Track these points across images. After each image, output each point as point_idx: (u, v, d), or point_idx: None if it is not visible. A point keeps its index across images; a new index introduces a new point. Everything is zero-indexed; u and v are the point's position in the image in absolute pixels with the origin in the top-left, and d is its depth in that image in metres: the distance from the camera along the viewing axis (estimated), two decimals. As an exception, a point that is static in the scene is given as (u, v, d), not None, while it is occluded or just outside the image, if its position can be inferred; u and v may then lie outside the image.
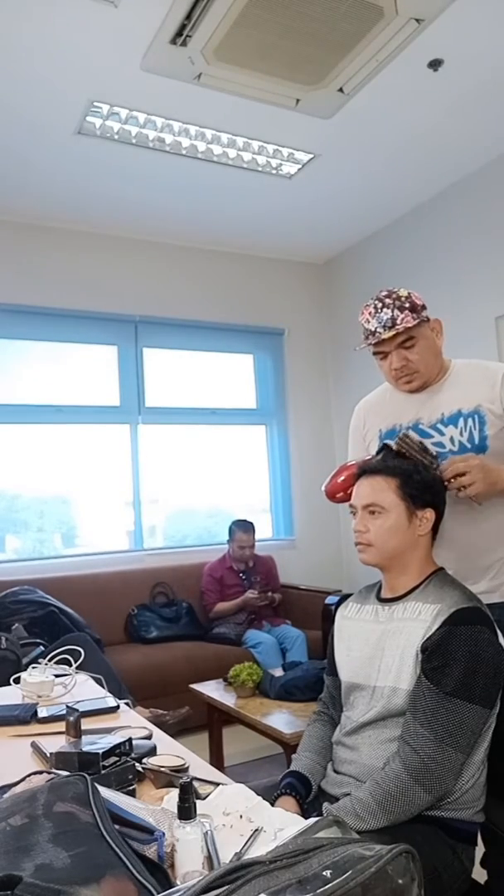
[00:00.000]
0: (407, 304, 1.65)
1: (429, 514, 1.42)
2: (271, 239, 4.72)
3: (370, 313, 1.67)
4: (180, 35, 2.56)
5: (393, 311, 1.63)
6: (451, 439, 1.67)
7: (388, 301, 1.65)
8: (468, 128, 3.41)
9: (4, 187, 3.76)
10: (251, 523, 4.19)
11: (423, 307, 1.68)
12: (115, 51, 2.69)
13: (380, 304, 1.65)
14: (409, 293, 1.67)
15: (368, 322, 1.67)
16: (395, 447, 1.48)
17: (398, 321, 1.63)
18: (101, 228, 4.34)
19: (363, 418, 1.90)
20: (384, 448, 1.52)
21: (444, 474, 1.49)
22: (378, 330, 1.64)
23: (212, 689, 2.79)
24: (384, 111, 3.20)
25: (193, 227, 4.44)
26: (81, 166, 3.57)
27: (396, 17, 2.52)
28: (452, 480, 1.49)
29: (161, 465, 4.50)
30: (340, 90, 2.95)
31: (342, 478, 1.67)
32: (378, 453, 1.53)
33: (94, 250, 4.35)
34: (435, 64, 2.86)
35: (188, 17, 2.47)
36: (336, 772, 1.40)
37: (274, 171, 3.74)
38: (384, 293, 1.67)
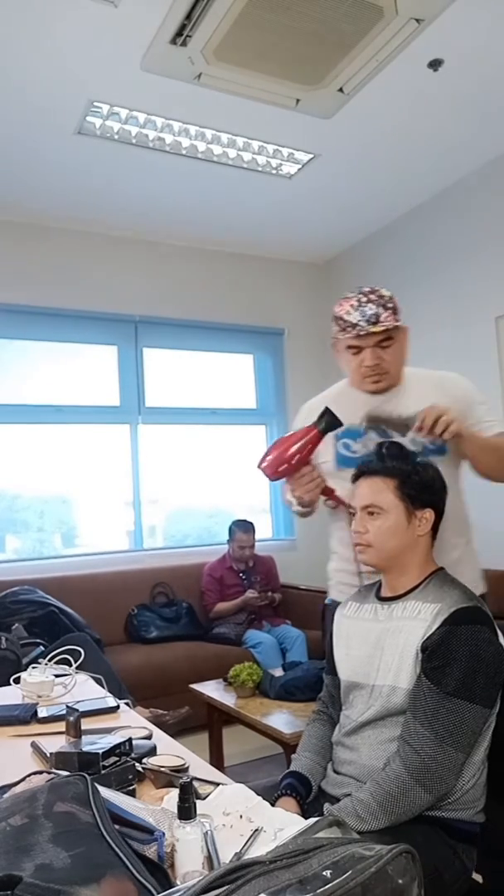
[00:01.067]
0: (390, 305, 1.66)
1: (428, 515, 1.42)
2: (271, 239, 4.72)
3: (352, 306, 1.66)
4: (180, 35, 2.56)
5: (377, 308, 1.64)
6: (413, 441, 1.68)
7: (372, 297, 1.65)
8: (468, 128, 3.41)
9: (5, 187, 3.76)
10: (251, 523, 4.19)
11: (401, 311, 1.70)
12: (115, 51, 2.69)
13: (364, 299, 1.65)
14: (391, 294, 1.69)
15: (349, 314, 1.65)
16: (384, 451, 1.46)
17: (382, 318, 1.64)
18: (101, 228, 4.34)
19: (308, 419, 1.79)
20: (326, 412, 1.55)
21: (425, 422, 1.52)
22: (361, 323, 1.64)
23: (212, 689, 2.79)
24: (384, 111, 3.20)
25: (193, 227, 4.44)
26: (81, 166, 3.57)
27: (396, 17, 2.52)
28: (434, 427, 1.52)
29: (161, 465, 4.50)
30: (340, 90, 2.95)
31: (278, 452, 1.59)
32: (322, 416, 1.55)
33: (94, 250, 4.35)
34: (435, 64, 2.86)
35: (188, 17, 2.47)
36: (336, 772, 1.40)
37: (274, 171, 3.74)
38: (367, 289, 1.68)
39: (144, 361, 4.51)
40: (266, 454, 1.64)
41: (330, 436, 1.71)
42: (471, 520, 1.78)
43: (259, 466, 1.64)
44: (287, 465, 1.59)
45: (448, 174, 3.91)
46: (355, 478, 1.48)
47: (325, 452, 1.73)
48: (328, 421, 1.58)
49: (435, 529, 1.45)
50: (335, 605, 1.76)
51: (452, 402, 1.68)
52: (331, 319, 1.73)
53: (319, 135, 3.37)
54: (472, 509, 1.79)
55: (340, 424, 1.60)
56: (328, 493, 1.64)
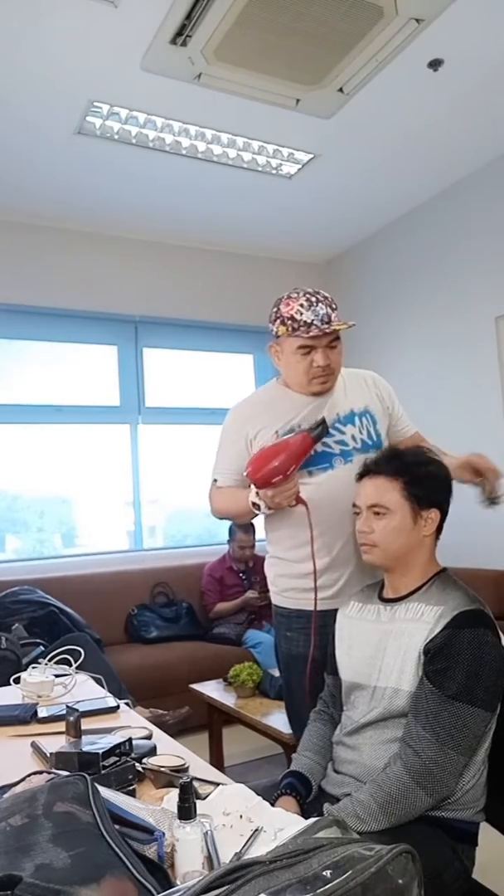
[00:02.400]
0: (335, 306, 1.67)
1: (433, 515, 1.41)
2: (271, 239, 4.72)
3: (302, 305, 1.63)
4: (180, 35, 2.56)
5: (327, 309, 1.64)
6: (353, 437, 1.71)
7: (320, 297, 1.65)
8: (468, 128, 3.41)
9: (4, 187, 3.76)
10: (252, 523, 4.19)
11: None
12: (115, 51, 2.69)
13: (313, 299, 1.64)
14: (331, 296, 1.70)
15: (301, 314, 1.63)
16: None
17: (333, 318, 1.64)
18: (101, 228, 4.34)
19: (247, 420, 1.79)
20: (322, 423, 1.57)
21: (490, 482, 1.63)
22: (316, 322, 1.62)
23: (212, 689, 2.79)
24: (384, 111, 3.20)
25: (193, 227, 4.44)
26: (81, 166, 3.57)
27: (396, 17, 2.51)
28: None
29: (161, 465, 4.50)
30: (340, 90, 2.95)
31: (276, 462, 1.56)
32: (317, 427, 1.57)
33: (94, 250, 4.35)
34: (435, 64, 2.86)
35: (188, 17, 2.47)
36: (336, 772, 1.40)
37: (274, 171, 3.74)
38: (310, 290, 1.67)
39: (144, 361, 4.51)
40: (255, 463, 1.60)
41: (272, 436, 1.71)
42: None
43: (249, 476, 1.61)
44: (282, 476, 1.57)
45: (448, 174, 3.91)
46: (360, 477, 1.48)
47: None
48: (323, 430, 1.59)
49: (439, 529, 1.44)
50: (285, 611, 1.76)
51: (383, 398, 1.81)
52: (272, 321, 1.70)
53: (319, 135, 3.37)
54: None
55: (328, 433, 1.64)
56: (299, 499, 1.62)
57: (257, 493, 1.62)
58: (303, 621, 1.70)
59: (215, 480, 1.85)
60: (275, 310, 1.70)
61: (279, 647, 1.85)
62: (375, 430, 1.75)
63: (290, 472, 1.57)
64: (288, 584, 1.76)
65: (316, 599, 1.65)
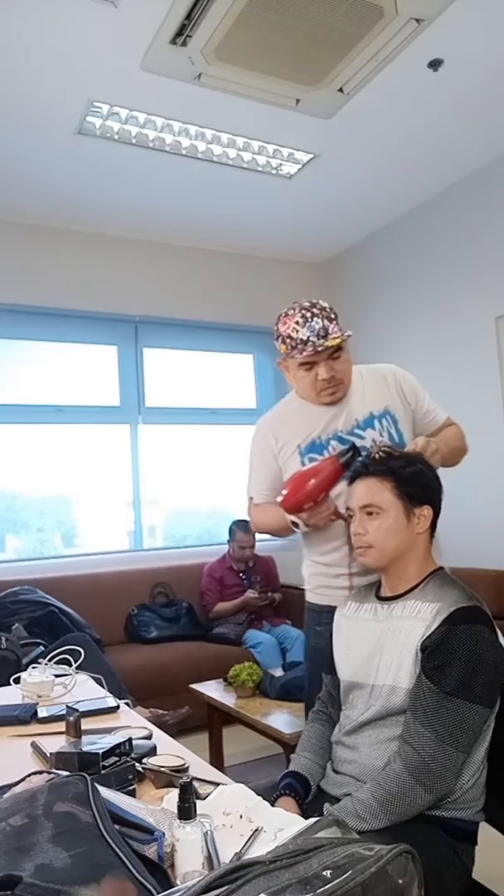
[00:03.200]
0: (332, 316, 1.65)
1: (426, 512, 1.42)
2: (271, 239, 4.72)
3: (297, 322, 1.63)
4: (180, 35, 2.56)
5: (323, 322, 1.63)
6: (374, 441, 1.69)
7: (315, 311, 1.64)
8: (468, 128, 3.41)
9: (4, 187, 3.76)
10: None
11: (338, 319, 1.70)
12: (115, 51, 2.69)
13: (308, 314, 1.63)
14: (329, 305, 1.68)
15: (297, 332, 1.63)
16: (376, 455, 1.46)
17: (330, 331, 1.62)
18: (101, 228, 4.34)
19: (272, 436, 1.82)
20: (352, 448, 1.53)
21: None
22: (312, 339, 1.62)
23: (212, 689, 2.79)
24: (384, 111, 3.20)
25: (194, 227, 4.44)
26: (81, 166, 3.57)
27: (396, 17, 2.51)
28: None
29: (161, 465, 4.50)
30: (340, 90, 2.95)
31: (306, 490, 1.56)
32: (347, 452, 1.53)
33: (94, 250, 4.35)
34: (435, 64, 2.86)
35: (188, 17, 2.47)
36: (336, 772, 1.40)
37: (274, 171, 3.74)
38: (307, 304, 1.66)
39: (144, 361, 4.51)
40: (288, 487, 1.61)
41: (295, 452, 1.74)
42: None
43: (281, 505, 1.62)
44: (312, 502, 1.57)
45: (448, 174, 3.91)
46: (350, 480, 1.49)
47: (292, 468, 1.73)
48: (353, 456, 1.56)
49: (433, 527, 1.45)
50: (317, 606, 1.77)
51: (405, 394, 1.75)
52: (274, 339, 1.71)
53: (319, 135, 3.37)
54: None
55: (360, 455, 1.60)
56: (338, 515, 1.63)
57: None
58: (332, 617, 1.71)
59: (251, 498, 1.87)
60: (275, 328, 1.70)
61: (307, 641, 1.86)
62: (397, 430, 1.73)
63: (321, 498, 1.57)
64: (321, 582, 1.77)
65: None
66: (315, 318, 1.63)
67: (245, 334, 4.85)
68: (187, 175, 3.71)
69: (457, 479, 1.82)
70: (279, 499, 1.63)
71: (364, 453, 1.52)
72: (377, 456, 1.45)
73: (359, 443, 1.66)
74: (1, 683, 1.80)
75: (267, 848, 0.73)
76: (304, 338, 1.62)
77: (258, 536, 4.22)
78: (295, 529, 1.69)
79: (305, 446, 1.74)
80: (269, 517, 1.79)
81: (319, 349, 1.62)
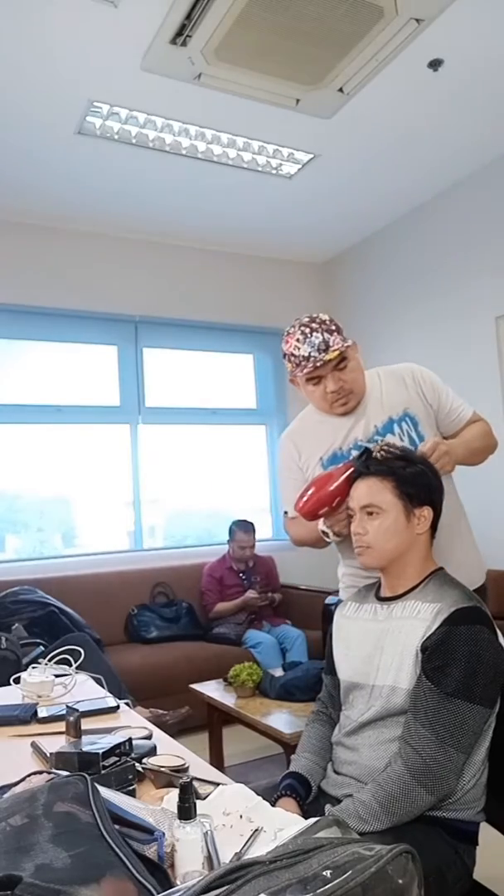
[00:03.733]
0: (333, 327, 1.65)
1: (426, 513, 1.41)
2: (271, 239, 4.72)
3: (298, 340, 1.64)
4: (180, 35, 2.56)
5: (323, 335, 1.62)
6: (376, 442, 1.68)
7: (314, 326, 1.64)
8: (468, 128, 3.41)
9: (4, 187, 3.76)
10: (251, 524, 4.19)
11: (342, 329, 1.69)
12: (115, 51, 2.69)
13: (307, 330, 1.64)
14: (329, 317, 1.68)
15: (298, 349, 1.64)
16: (377, 455, 1.46)
17: (331, 343, 1.62)
18: (101, 228, 4.34)
19: (296, 449, 1.83)
20: (365, 451, 1.52)
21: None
22: (313, 354, 1.62)
23: (212, 689, 2.79)
24: (384, 111, 3.20)
25: (194, 227, 4.44)
26: (81, 166, 3.57)
27: (396, 17, 2.51)
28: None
29: (161, 465, 4.50)
30: (340, 90, 2.95)
31: (320, 495, 1.56)
32: (360, 456, 1.53)
33: (94, 250, 4.35)
34: (435, 64, 2.86)
35: (188, 17, 2.47)
36: (336, 772, 1.40)
37: (274, 171, 3.74)
38: (306, 319, 1.66)
39: (144, 361, 4.51)
40: (304, 495, 1.61)
41: (318, 465, 1.74)
42: (464, 510, 1.81)
43: (297, 509, 1.63)
44: (328, 507, 1.57)
45: (448, 174, 3.91)
46: (352, 480, 1.49)
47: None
48: (367, 461, 1.55)
49: (434, 527, 1.45)
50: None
51: (425, 395, 1.73)
52: (283, 357, 1.71)
53: (319, 135, 3.37)
54: (471, 510, 1.79)
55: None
56: None
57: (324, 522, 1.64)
58: None
59: (286, 513, 1.87)
60: (281, 346, 1.71)
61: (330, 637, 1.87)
62: (417, 432, 1.71)
63: (336, 503, 1.56)
64: (352, 582, 1.77)
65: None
66: (315, 333, 1.63)
67: (245, 334, 4.86)
68: (187, 175, 3.72)
69: (457, 480, 1.81)
70: (295, 507, 1.64)
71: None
72: (379, 455, 1.45)
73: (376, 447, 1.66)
74: (1, 683, 1.80)
75: (267, 848, 0.73)
76: (306, 354, 1.63)
77: (258, 536, 4.22)
78: (326, 539, 1.68)
79: (328, 458, 1.75)
80: (304, 529, 1.77)
81: (318, 364, 1.62)
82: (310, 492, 1.59)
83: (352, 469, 1.54)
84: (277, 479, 1.91)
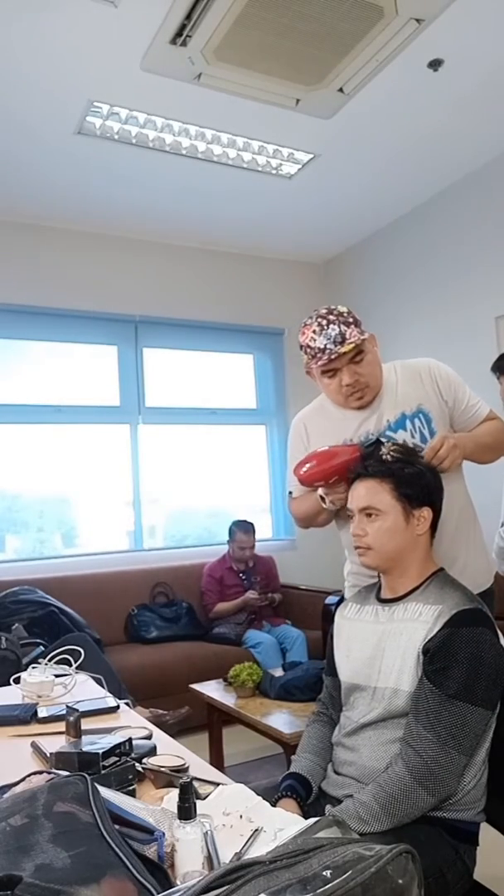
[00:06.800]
0: (350, 319, 1.64)
1: (426, 513, 1.41)
2: (271, 239, 4.72)
3: (314, 332, 1.63)
4: (180, 35, 2.56)
5: (340, 327, 1.61)
6: (405, 442, 1.67)
7: (331, 318, 1.63)
8: (468, 128, 3.41)
9: (4, 187, 3.76)
10: (251, 524, 4.19)
11: (361, 322, 1.68)
12: (115, 51, 2.69)
13: (324, 322, 1.63)
14: (348, 309, 1.66)
15: (315, 340, 1.63)
16: (386, 457, 1.45)
17: (348, 336, 1.61)
18: (101, 228, 4.34)
19: (306, 434, 1.84)
20: (377, 443, 1.52)
21: (434, 461, 1.53)
22: (329, 346, 1.61)
23: (212, 689, 2.79)
24: (384, 111, 3.20)
25: (193, 227, 4.44)
26: (81, 166, 3.57)
27: (396, 17, 2.52)
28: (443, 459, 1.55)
29: (161, 465, 4.50)
30: (340, 90, 2.95)
31: (322, 468, 1.60)
32: (370, 446, 1.53)
33: (94, 250, 4.35)
34: (435, 64, 2.86)
35: (188, 17, 2.47)
36: (336, 773, 1.40)
37: (274, 172, 3.74)
38: (324, 310, 1.65)
39: (144, 361, 4.51)
40: (306, 462, 1.63)
41: None
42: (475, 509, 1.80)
43: (295, 472, 1.66)
44: (324, 481, 1.61)
45: (448, 174, 3.91)
46: (351, 481, 1.48)
47: None
48: (376, 450, 1.55)
49: (434, 528, 1.44)
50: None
51: (441, 391, 1.72)
52: (300, 348, 1.71)
53: (319, 135, 3.37)
54: (482, 512, 1.79)
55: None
56: None
57: None
58: None
59: (290, 493, 1.87)
60: (298, 337, 1.70)
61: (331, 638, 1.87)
62: (430, 429, 1.69)
63: (333, 481, 1.58)
64: (356, 581, 1.78)
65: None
66: (331, 325, 1.61)
67: (245, 334, 4.85)
68: (187, 175, 3.71)
69: (469, 480, 1.81)
70: (294, 469, 1.66)
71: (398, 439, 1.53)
72: (388, 456, 1.44)
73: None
74: (1, 683, 1.80)
75: (267, 848, 0.73)
76: (322, 346, 1.62)
77: (258, 536, 4.22)
78: (324, 505, 1.69)
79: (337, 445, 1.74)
80: (305, 503, 1.79)
81: (333, 357, 1.61)
82: (311, 464, 1.62)
83: (357, 455, 1.54)
84: (288, 459, 1.90)
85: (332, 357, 1.61)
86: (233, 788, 1.04)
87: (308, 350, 1.66)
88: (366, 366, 1.66)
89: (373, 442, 1.56)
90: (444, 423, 1.72)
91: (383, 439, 1.61)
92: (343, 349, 1.60)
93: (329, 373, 1.67)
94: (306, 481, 1.64)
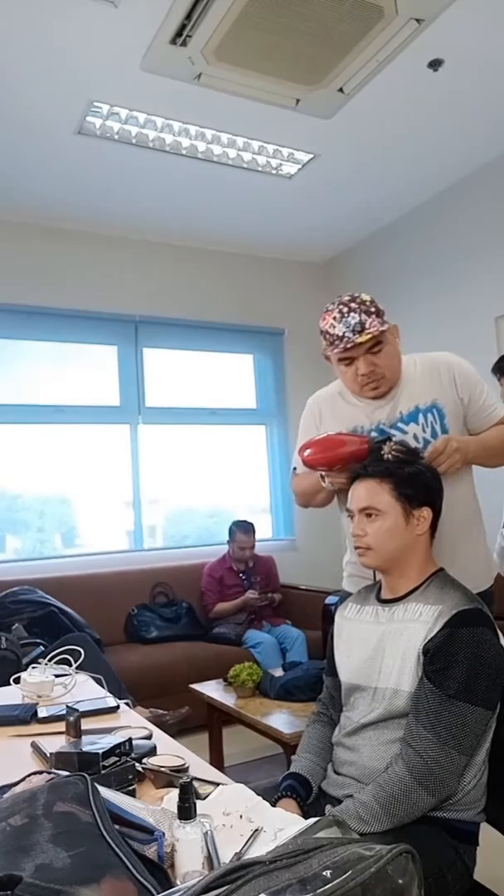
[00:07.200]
0: (372, 309, 1.62)
1: (426, 513, 1.41)
2: (271, 239, 4.72)
3: (335, 318, 1.62)
4: (180, 35, 2.56)
5: (360, 316, 1.60)
6: (415, 436, 1.67)
7: (353, 305, 1.62)
8: (468, 128, 3.41)
9: (4, 187, 3.76)
10: (251, 524, 4.19)
11: (384, 312, 1.66)
12: (115, 51, 2.69)
13: (345, 309, 1.62)
14: (371, 298, 1.65)
15: (334, 327, 1.62)
16: (387, 457, 1.45)
17: (367, 325, 1.60)
18: (101, 228, 4.34)
19: (319, 415, 1.83)
20: (388, 440, 1.52)
21: (435, 463, 1.53)
22: (347, 334, 1.60)
23: (212, 689, 2.79)
24: (384, 111, 3.20)
25: (194, 227, 4.44)
26: (81, 166, 3.57)
27: (396, 17, 2.51)
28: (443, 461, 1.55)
29: (161, 465, 4.50)
30: (340, 90, 2.95)
31: (328, 454, 1.60)
32: (381, 441, 1.53)
33: (94, 250, 4.35)
34: (435, 64, 2.86)
35: (188, 17, 2.47)
36: (336, 773, 1.40)
37: (274, 172, 3.74)
38: (347, 297, 1.64)
39: (144, 361, 4.51)
40: (313, 445, 1.63)
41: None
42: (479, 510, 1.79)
43: (300, 453, 1.66)
44: (326, 468, 1.61)
45: (448, 174, 3.91)
46: (351, 481, 1.48)
47: None
48: (367, 463, 1.55)
49: (434, 528, 1.44)
50: (346, 594, 1.77)
51: (458, 388, 1.70)
52: (319, 333, 1.71)
53: (319, 135, 3.37)
54: (487, 514, 1.79)
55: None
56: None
57: None
58: None
59: (294, 469, 1.87)
60: (319, 322, 1.69)
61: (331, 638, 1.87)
62: (442, 425, 1.68)
63: (335, 469, 1.58)
64: (353, 571, 1.78)
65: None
66: (352, 314, 1.60)
67: (245, 334, 4.85)
68: (187, 175, 3.72)
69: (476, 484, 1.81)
70: (301, 448, 1.66)
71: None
72: (389, 456, 1.44)
73: (399, 437, 1.64)
74: (1, 683, 1.80)
75: (267, 848, 0.73)
76: (340, 334, 1.61)
77: (258, 536, 4.22)
78: (322, 484, 1.69)
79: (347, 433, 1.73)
80: (306, 481, 1.80)
81: (349, 346, 1.60)
82: (316, 449, 1.62)
83: (365, 446, 1.54)
84: (298, 436, 1.89)
85: (349, 346, 1.60)
86: (233, 788, 1.04)
87: (327, 336, 1.65)
88: (383, 357, 1.64)
89: (385, 438, 1.56)
90: (457, 420, 1.70)
91: (395, 436, 1.61)
92: (360, 339, 1.59)
93: (346, 361, 1.66)
94: (310, 464, 1.64)
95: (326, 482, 1.66)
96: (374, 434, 1.68)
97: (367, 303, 1.63)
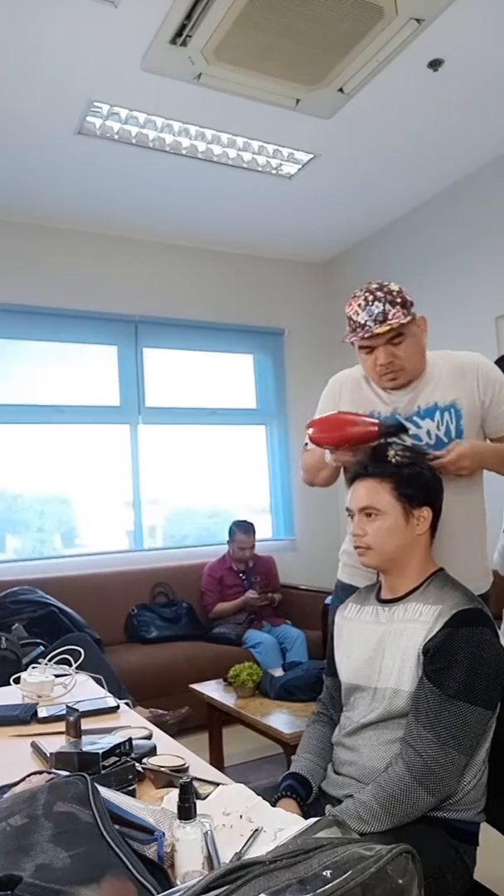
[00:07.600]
0: (398, 300, 1.60)
1: (426, 513, 1.41)
2: (271, 239, 4.72)
3: (359, 305, 1.60)
4: (180, 35, 2.56)
5: (384, 306, 1.58)
6: (428, 433, 1.65)
7: (379, 294, 1.60)
8: (468, 128, 3.41)
9: (4, 187, 3.76)
10: (251, 524, 4.19)
11: (412, 304, 1.64)
12: (115, 51, 2.69)
13: (370, 297, 1.60)
14: (399, 288, 1.63)
15: (357, 314, 1.61)
16: (392, 460, 1.44)
17: (390, 316, 1.58)
18: (101, 228, 4.34)
19: (339, 395, 1.81)
20: (400, 428, 1.52)
21: (442, 471, 1.52)
22: (368, 323, 1.59)
23: (212, 689, 2.79)
24: (384, 111, 3.20)
25: (194, 227, 4.44)
26: (81, 166, 3.57)
27: (396, 17, 2.51)
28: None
29: (161, 465, 4.50)
30: (340, 90, 2.95)
31: (336, 434, 1.59)
32: (393, 426, 1.52)
33: (94, 250, 4.35)
34: (435, 64, 2.86)
35: (188, 17, 2.47)
36: (336, 773, 1.40)
37: (274, 172, 3.74)
38: (374, 286, 1.62)
39: (144, 361, 4.51)
40: (322, 422, 1.63)
41: None
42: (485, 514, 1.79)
43: (308, 428, 1.65)
44: (333, 446, 1.61)
45: (448, 174, 3.91)
46: (351, 481, 1.48)
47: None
48: (396, 431, 1.55)
49: (434, 528, 1.44)
50: (342, 584, 1.79)
51: (480, 389, 1.67)
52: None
53: (319, 135, 3.37)
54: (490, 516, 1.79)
55: (405, 431, 1.61)
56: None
57: None
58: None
59: (306, 444, 1.84)
60: (345, 308, 1.67)
61: (331, 617, 1.87)
62: (458, 425, 1.65)
63: (343, 448, 1.57)
64: (348, 560, 1.78)
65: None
66: (377, 302, 1.58)
67: (245, 334, 4.85)
68: (187, 175, 3.72)
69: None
70: (309, 425, 1.66)
71: (407, 441, 1.52)
72: (395, 459, 1.44)
73: (413, 430, 1.63)
74: (1, 683, 1.80)
75: (267, 848, 0.73)
76: (362, 322, 1.59)
77: (258, 536, 4.22)
78: (325, 459, 1.69)
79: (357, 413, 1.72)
80: (313, 457, 1.79)
81: (368, 335, 1.59)
82: (322, 427, 1.62)
83: (374, 430, 1.53)
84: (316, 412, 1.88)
85: (367, 335, 1.59)
86: (233, 788, 1.04)
87: (350, 323, 1.64)
88: (404, 348, 1.62)
89: (398, 425, 1.55)
90: (475, 421, 1.68)
91: (408, 424, 1.61)
92: (380, 329, 1.57)
93: (366, 349, 1.65)
94: (315, 441, 1.63)
95: (330, 458, 1.65)
96: (386, 419, 1.67)
97: (394, 293, 1.61)
